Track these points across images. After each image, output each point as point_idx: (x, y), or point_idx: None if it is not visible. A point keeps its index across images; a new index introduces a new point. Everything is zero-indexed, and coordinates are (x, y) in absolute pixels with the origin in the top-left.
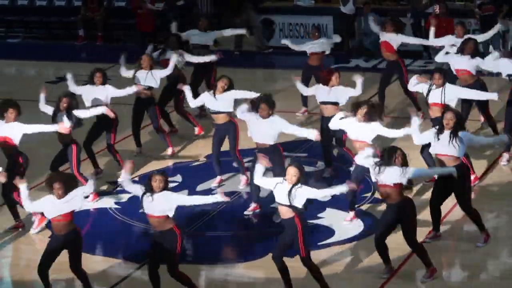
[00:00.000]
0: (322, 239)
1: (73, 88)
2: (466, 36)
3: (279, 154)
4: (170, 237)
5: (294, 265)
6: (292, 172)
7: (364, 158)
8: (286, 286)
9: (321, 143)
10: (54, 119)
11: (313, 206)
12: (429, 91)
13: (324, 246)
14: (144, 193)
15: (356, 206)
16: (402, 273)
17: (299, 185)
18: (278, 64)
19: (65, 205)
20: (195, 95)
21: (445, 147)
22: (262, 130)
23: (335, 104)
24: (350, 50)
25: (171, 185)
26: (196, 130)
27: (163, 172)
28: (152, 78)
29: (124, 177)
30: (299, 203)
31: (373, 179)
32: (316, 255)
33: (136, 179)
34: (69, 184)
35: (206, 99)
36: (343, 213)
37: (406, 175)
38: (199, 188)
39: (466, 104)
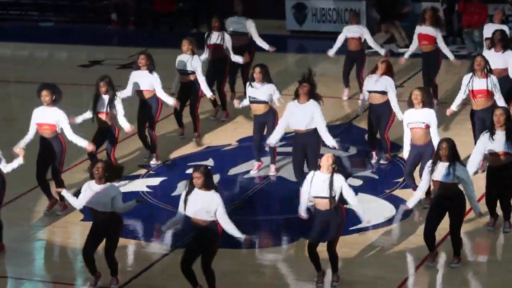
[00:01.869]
0: (354, 224)
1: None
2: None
3: (317, 141)
4: (212, 233)
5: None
6: (326, 160)
7: None
8: (318, 270)
9: (368, 130)
10: (95, 103)
11: None
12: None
13: (356, 230)
14: (187, 194)
15: (388, 191)
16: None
17: (336, 174)
18: (311, 49)
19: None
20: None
21: (501, 145)
22: (301, 115)
23: (383, 93)
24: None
25: None
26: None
27: (199, 167)
28: (195, 63)
29: None
30: (337, 194)
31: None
32: (348, 240)
33: (169, 162)
34: (111, 174)
35: (248, 89)
36: (374, 198)
37: (454, 174)
38: (231, 171)
39: None
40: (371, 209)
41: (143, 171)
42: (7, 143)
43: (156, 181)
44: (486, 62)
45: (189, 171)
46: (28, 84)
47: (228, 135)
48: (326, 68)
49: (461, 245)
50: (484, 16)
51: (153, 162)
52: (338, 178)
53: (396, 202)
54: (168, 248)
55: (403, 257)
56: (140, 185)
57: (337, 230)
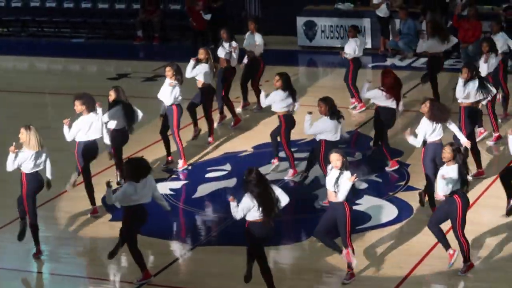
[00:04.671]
0: (360, 224)
1: None
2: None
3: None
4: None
5: None
6: (335, 158)
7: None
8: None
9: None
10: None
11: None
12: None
13: (362, 230)
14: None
15: (391, 193)
16: (435, 254)
17: (343, 171)
18: (320, 63)
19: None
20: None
21: None
22: None
23: None
24: (386, 50)
25: (221, 173)
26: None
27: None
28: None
29: None
30: (342, 194)
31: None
32: (354, 238)
33: (189, 167)
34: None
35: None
36: (379, 200)
37: None
38: None
39: None
40: (375, 210)
41: (166, 175)
42: None
43: (178, 184)
44: (472, 72)
45: (208, 175)
46: (62, 96)
47: (244, 141)
48: (335, 80)
49: (466, 248)
50: (478, 31)
51: (179, 166)
52: (343, 177)
53: (398, 203)
54: (189, 246)
55: (402, 254)
56: (163, 188)
57: (345, 229)
